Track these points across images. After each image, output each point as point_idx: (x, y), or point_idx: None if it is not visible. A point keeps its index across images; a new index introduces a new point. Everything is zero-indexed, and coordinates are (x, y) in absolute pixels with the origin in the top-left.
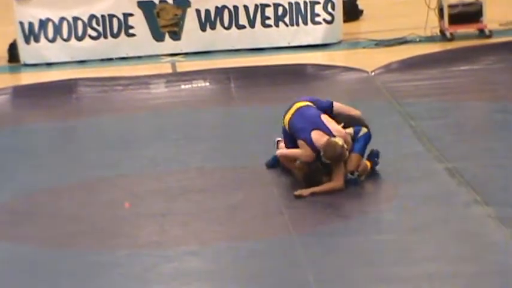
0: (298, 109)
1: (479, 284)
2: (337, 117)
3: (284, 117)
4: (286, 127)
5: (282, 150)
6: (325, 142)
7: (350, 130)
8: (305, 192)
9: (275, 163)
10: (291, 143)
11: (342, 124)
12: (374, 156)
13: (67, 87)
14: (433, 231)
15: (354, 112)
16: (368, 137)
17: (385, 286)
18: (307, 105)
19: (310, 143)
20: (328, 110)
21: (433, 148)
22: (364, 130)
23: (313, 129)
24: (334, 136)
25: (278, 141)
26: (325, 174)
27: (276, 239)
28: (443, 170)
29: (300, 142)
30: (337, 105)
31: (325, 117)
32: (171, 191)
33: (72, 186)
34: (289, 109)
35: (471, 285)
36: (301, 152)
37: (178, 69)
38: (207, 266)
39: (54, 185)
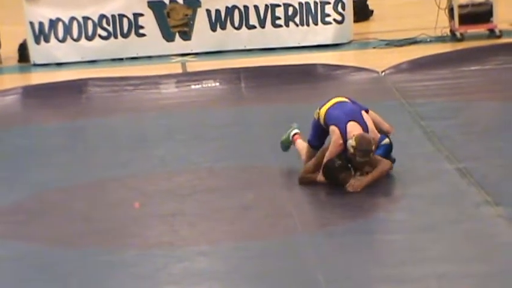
0: (337, 102)
1: (489, 284)
2: None
3: (320, 109)
4: (321, 118)
5: (308, 165)
6: (360, 134)
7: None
8: (359, 186)
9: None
10: (318, 138)
11: None
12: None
13: (77, 87)
14: (443, 231)
15: (386, 126)
16: (389, 147)
17: (394, 286)
18: (346, 101)
19: (343, 132)
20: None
21: (444, 148)
22: (387, 140)
23: (350, 120)
24: (368, 133)
25: (295, 134)
26: (345, 172)
27: (286, 239)
28: (454, 170)
29: (332, 128)
30: (372, 114)
31: (365, 115)
32: (181, 190)
33: (82, 185)
34: (326, 102)
35: (481, 286)
36: (330, 146)
37: (189, 69)
38: (217, 266)
39: (65, 184)
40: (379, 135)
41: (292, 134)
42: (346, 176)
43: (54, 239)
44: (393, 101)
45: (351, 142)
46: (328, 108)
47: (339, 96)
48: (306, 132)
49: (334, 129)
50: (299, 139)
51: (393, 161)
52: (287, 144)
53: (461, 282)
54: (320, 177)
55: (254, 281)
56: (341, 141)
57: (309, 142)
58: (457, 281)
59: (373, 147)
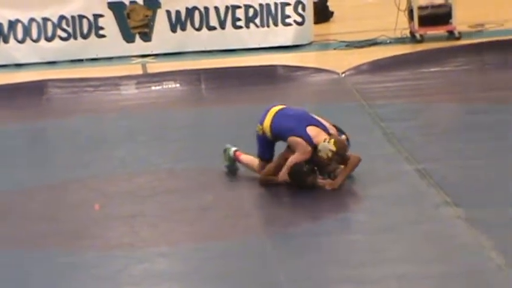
0: (277, 112)
1: (448, 285)
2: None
3: (262, 124)
4: (267, 131)
5: (269, 167)
6: (337, 138)
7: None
8: (337, 183)
9: (233, 166)
10: (268, 151)
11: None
12: None
13: (37, 88)
14: (403, 232)
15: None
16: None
17: (354, 286)
18: (286, 107)
19: (307, 139)
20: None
21: (403, 149)
22: (343, 137)
23: (308, 125)
24: (329, 132)
25: (235, 151)
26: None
27: (246, 239)
28: (413, 171)
29: (294, 139)
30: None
31: (313, 115)
32: (141, 192)
33: (42, 187)
34: (265, 115)
35: (440, 286)
36: (297, 154)
37: (149, 71)
38: (177, 267)
39: (24, 186)
40: (334, 128)
41: (231, 153)
42: (313, 178)
43: (14, 241)
44: (353, 102)
45: (329, 147)
46: (272, 121)
47: (274, 106)
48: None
49: (296, 140)
50: (241, 154)
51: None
52: (232, 163)
53: (421, 283)
54: (283, 175)
55: (214, 281)
56: (310, 149)
57: (260, 157)
58: (416, 281)
59: (347, 152)
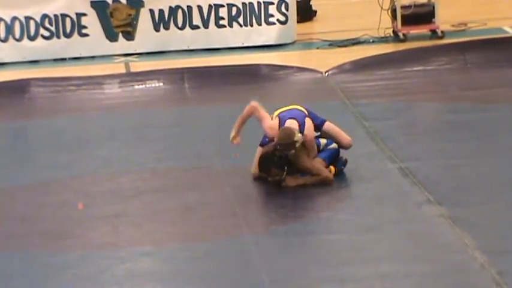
0: (293, 108)
1: (431, 284)
2: (322, 134)
3: (275, 111)
4: (274, 117)
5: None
6: (285, 127)
7: (324, 141)
8: (294, 182)
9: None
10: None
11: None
12: (340, 164)
13: (19, 87)
14: (386, 231)
15: (344, 138)
16: (336, 152)
17: (338, 286)
18: (302, 110)
19: (281, 123)
20: (319, 125)
21: (386, 148)
22: (334, 145)
23: (291, 118)
24: (302, 134)
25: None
26: (278, 169)
27: (230, 239)
28: (396, 170)
29: (275, 119)
30: (329, 126)
31: (308, 120)
32: (124, 191)
33: (24, 187)
34: (284, 106)
35: (423, 285)
36: (267, 122)
37: (132, 70)
38: (161, 267)
39: (6, 185)
40: (313, 137)
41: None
42: (278, 172)
43: None
44: (336, 101)
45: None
46: (282, 111)
47: (298, 104)
48: (250, 131)
49: (274, 119)
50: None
51: (344, 162)
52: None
53: (404, 281)
54: (254, 169)
55: (198, 281)
56: (276, 130)
57: (261, 144)
58: (399, 280)
59: (296, 142)
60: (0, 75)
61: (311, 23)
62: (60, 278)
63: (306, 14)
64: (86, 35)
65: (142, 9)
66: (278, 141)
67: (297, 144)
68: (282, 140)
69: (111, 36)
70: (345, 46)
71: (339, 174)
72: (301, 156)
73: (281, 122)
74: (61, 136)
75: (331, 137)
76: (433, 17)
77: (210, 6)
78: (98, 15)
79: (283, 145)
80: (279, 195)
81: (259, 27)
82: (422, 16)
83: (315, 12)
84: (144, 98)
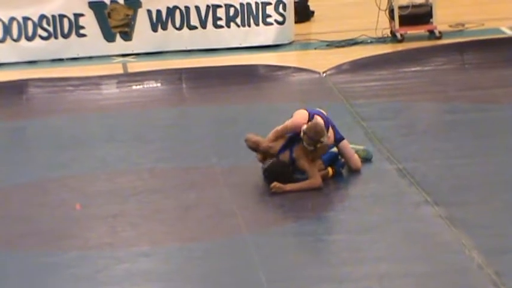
0: (318, 109)
1: (429, 284)
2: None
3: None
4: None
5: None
6: (314, 122)
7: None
8: (282, 188)
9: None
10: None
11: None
12: (339, 166)
13: (17, 87)
14: (384, 232)
15: (355, 162)
16: (335, 154)
17: (336, 286)
18: (325, 114)
19: (309, 116)
20: (337, 140)
21: (384, 149)
22: (335, 149)
23: (317, 115)
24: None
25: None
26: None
27: (229, 239)
28: (394, 170)
29: (302, 111)
30: (346, 145)
31: (330, 128)
32: (122, 191)
33: (22, 186)
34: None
35: (421, 285)
36: (293, 118)
37: (130, 70)
38: (159, 267)
39: (4, 185)
40: (332, 139)
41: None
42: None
43: None
44: (334, 101)
45: (304, 127)
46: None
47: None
48: (247, 131)
49: (303, 112)
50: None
51: (343, 164)
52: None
53: (402, 281)
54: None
55: (196, 281)
56: (304, 121)
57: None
58: (397, 280)
59: (322, 139)
60: None
61: (309, 23)
62: (58, 278)
63: (303, 14)
64: (84, 35)
65: (140, 10)
66: (307, 131)
67: (318, 145)
68: (311, 133)
69: (109, 37)
70: (343, 46)
71: (337, 175)
72: (304, 156)
73: (310, 114)
74: (59, 136)
75: (342, 155)
76: (431, 17)
77: (207, 6)
78: (96, 16)
79: (309, 137)
80: (278, 195)
81: (257, 27)
82: (420, 16)
83: (313, 12)
84: (142, 98)
